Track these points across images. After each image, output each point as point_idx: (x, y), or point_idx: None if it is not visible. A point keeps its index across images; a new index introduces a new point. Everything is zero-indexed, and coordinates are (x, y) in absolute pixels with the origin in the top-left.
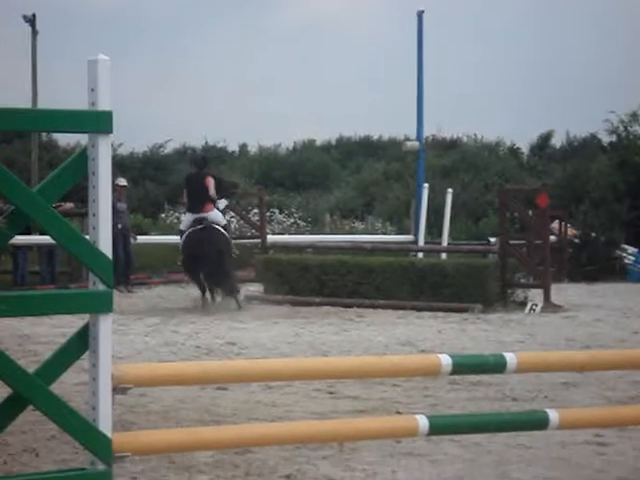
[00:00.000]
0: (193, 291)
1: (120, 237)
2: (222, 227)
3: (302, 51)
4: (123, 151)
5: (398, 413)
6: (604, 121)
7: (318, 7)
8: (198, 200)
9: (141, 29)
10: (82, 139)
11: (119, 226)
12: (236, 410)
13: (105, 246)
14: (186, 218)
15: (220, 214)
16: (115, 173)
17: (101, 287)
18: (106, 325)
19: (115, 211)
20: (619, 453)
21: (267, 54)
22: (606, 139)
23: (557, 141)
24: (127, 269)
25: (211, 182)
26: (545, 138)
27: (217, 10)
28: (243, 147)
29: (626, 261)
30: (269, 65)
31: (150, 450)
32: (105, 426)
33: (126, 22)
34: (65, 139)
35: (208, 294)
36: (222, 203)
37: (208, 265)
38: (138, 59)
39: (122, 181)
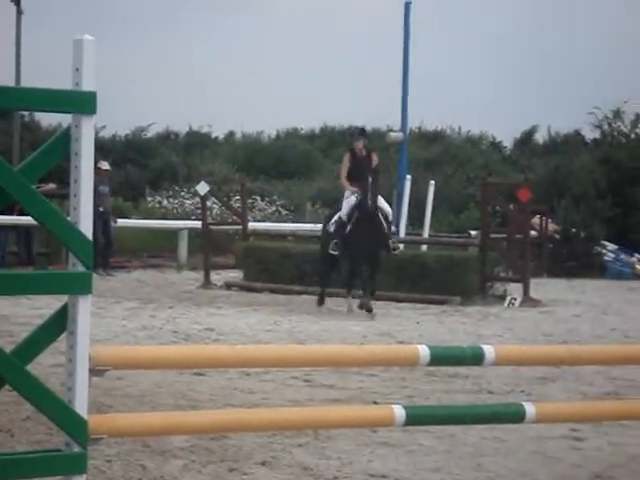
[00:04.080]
0: (171, 276)
1: (100, 220)
2: None
3: (287, 39)
4: (105, 134)
5: (375, 403)
6: (589, 113)
7: None
8: None
9: (127, 10)
10: (64, 120)
11: (100, 209)
12: (213, 396)
13: (86, 227)
14: None
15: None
16: (97, 157)
17: (81, 268)
18: (85, 307)
19: (97, 194)
20: (595, 448)
21: (253, 42)
22: (590, 135)
23: (540, 136)
24: (107, 252)
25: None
26: (529, 133)
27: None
28: (230, 135)
29: (606, 258)
30: (255, 53)
31: (126, 433)
32: (81, 408)
33: (113, 2)
34: (47, 120)
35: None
36: (203, 187)
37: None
38: (123, 41)
39: (105, 165)
